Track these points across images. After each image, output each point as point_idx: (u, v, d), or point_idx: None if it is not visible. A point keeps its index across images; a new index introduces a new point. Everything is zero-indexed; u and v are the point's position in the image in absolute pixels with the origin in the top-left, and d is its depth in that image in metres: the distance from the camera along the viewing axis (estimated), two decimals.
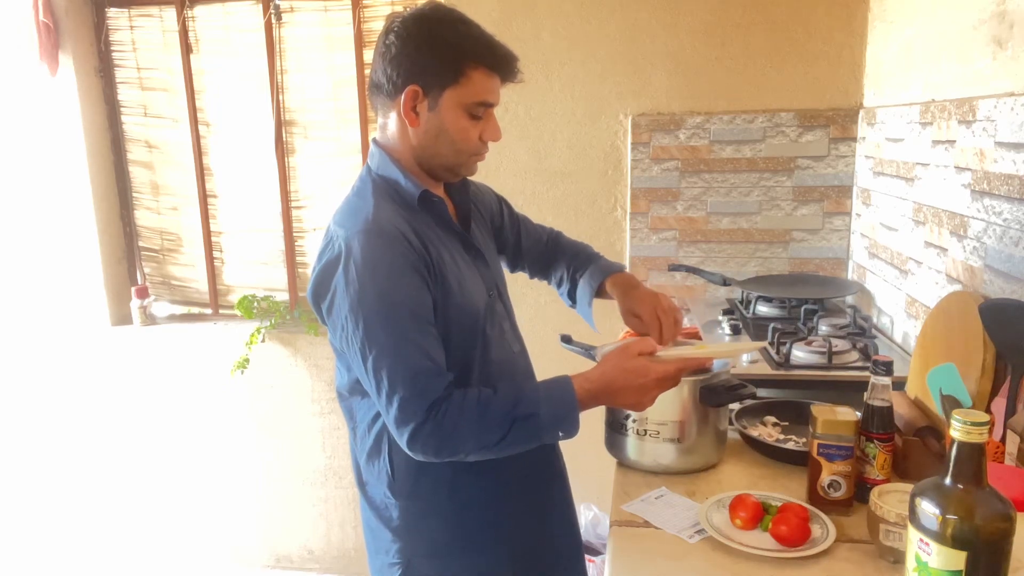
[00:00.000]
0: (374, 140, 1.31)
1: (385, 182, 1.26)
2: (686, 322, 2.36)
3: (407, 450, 1.15)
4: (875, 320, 2.15)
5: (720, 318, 2.16)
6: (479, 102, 1.21)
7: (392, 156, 1.27)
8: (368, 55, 2.77)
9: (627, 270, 1.61)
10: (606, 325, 2.70)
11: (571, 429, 1.17)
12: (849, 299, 2.27)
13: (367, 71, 2.80)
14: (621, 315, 1.48)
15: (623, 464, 1.42)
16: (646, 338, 1.28)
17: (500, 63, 1.22)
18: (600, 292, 1.57)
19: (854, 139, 2.40)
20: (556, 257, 1.64)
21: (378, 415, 1.27)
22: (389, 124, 1.27)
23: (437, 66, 1.18)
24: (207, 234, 3.04)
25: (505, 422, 1.13)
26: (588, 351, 1.51)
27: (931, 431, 1.31)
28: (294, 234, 2.99)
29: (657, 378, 1.18)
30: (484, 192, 1.54)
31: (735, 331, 2.08)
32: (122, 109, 3.01)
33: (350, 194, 1.29)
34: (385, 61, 1.21)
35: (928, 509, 0.82)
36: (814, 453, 1.21)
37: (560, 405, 1.16)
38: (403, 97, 1.20)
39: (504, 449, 1.16)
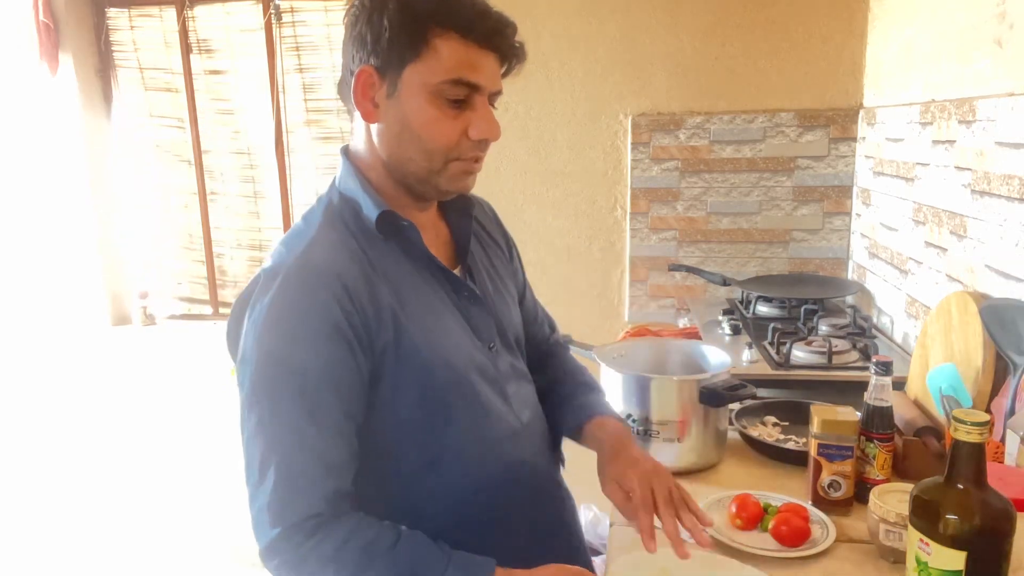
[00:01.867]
0: (342, 148, 1.04)
1: (344, 201, 0.99)
2: (686, 322, 2.37)
3: (260, 556, 0.89)
4: (875, 320, 2.15)
5: (720, 318, 2.16)
6: (450, 80, 0.90)
7: (359, 168, 0.99)
8: None
9: (621, 419, 1.18)
10: (604, 325, 2.71)
11: None
12: (849, 299, 2.27)
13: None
14: (600, 478, 1.06)
15: None
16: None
17: (476, 26, 0.90)
18: (578, 434, 1.14)
19: (854, 139, 2.40)
20: (544, 363, 1.26)
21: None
22: (355, 128, 1.01)
23: (391, 37, 0.90)
24: (207, 234, 3.04)
25: None
26: (588, 351, 1.51)
27: (931, 431, 1.31)
28: None
29: None
30: (488, 214, 1.21)
31: (735, 331, 2.08)
32: (122, 109, 3.01)
33: (297, 221, 1.03)
34: (344, 47, 0.97)
35: (928, 509, 0.82)
36: (814, 453, 1.21)
37: None
38: (353, 82, 0.93)
39: None
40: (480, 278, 1.08)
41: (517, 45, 0.95)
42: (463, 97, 0.92)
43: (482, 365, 1.02)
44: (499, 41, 0.93)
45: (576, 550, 1.15)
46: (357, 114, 0.97)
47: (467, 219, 1.09)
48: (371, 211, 0.96)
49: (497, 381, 1.03)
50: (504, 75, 0.97)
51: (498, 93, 0.96)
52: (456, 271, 1.05)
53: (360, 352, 0.90)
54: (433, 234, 1.05)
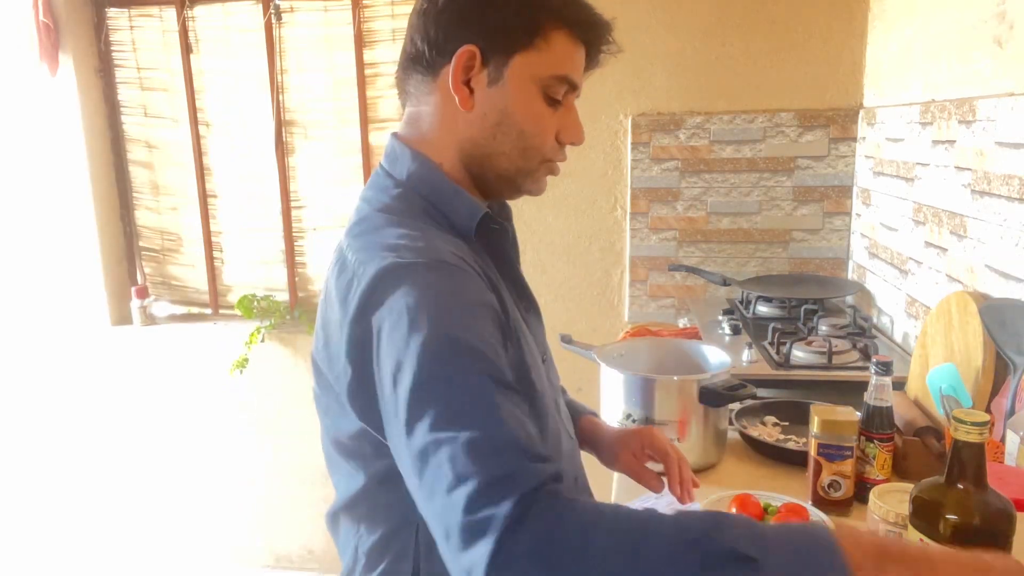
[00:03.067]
0: (397, 137, 0.93)
1: (420, 196, 0.88)
2: (686, 322, 2.37)
3: (495, 546, 0.60)
4: (875, 320, 2.15)
5: (720, 318, 2.16)
6: (560, 76, 0.86)
7: (431, 158, 0.89)
8: (368, 55, 2.77)
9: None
10: (604, 325, 2.71)
11: None
12: (849, 299, 2.27)
13: (367, 71, 2.82)
14: (612, 456, 1.11)
15: None
16: None
17: (591, 29, 0.87)
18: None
19: (854, 139, 2.40)
20: None
21: (395, 536, 0.85)
22: (424, 112, 0.89)
23: (504, 19, 0.83)
24: (207, 234, 3.04)
25: (691, 560, 0.59)
26: (588, 351, 1.51)
27: (931, 431, 1.31)
28: (294, 234, 2.98)
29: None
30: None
31: (735, 331, 2.08)
32: (122, 109, 3.01)
33: (365, 209, 0.89)
34: (427, 19, 0.86)
35: (928, 509, 0.82)
36: (814, 453, 1.21)
37: (809, 556, 0.60)
38: (452, 64, 0.84)
39: None
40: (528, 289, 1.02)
41: (605, 51, 0.92)
42: (561, 96, 0.88)
43: (546, 377, 0.95)
44: (599, 45, 0.90)
45: None
46: (432, 99, 0.88)
47: (512, 225, 1.02)
48: (469, 211, 0.88)
49: (553, 395, 0.98)
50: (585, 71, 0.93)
51: (578, 96, 0.93)
52: None
53: (507, 345, 0.81)
54: None
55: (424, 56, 0.86)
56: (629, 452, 1.10)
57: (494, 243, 0.92)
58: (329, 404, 0.86)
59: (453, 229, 0.87)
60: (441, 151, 0.89)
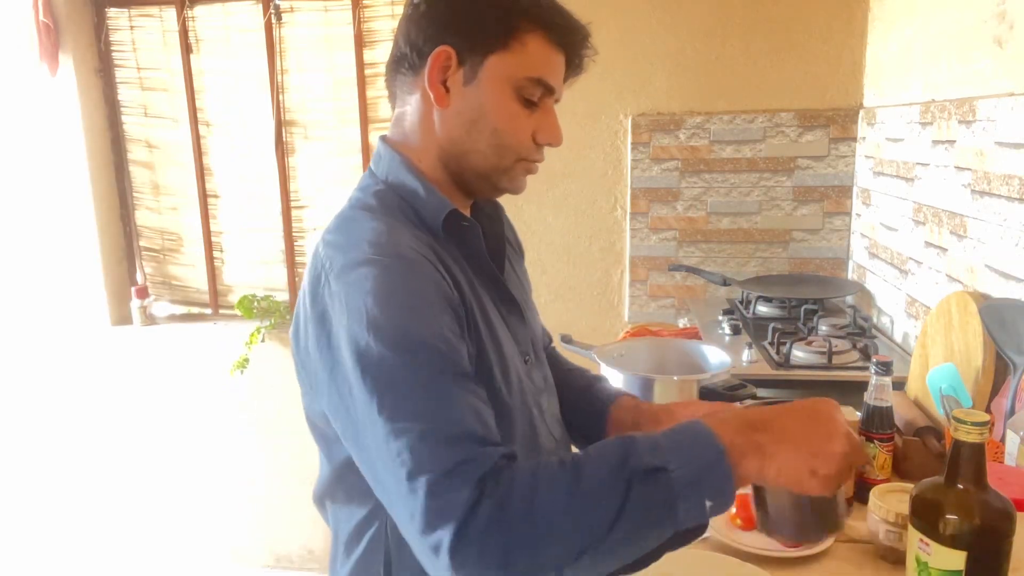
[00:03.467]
0: (382, 138, 0.97)
1: (396, 194, 0.92)
2: (686, 322, 2.37)
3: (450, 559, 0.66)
4: (875, 320, 2.15)
5: (720, 318, 2.16)
6: (534, 78, 0.88)
7: (408, 158, 0.93)
8: (368, 55, 2.77)
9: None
10: (604, 325, 2.71)
11: (722, 493, 0.70)
12: (849, 299, 2.27)
13: (367, 71, 2.82)
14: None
15: None
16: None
17: (566, 33, 0.90)
18: (603, 417, 1.09)
19: (854, 139, 2.40)
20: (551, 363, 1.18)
21: (369, 521, 0.88)
22: (408, 112, 0.93)
23: (480, 21, 0.87)
24: (207, 234, 3.04)
25: (617, 485, 0.68)
26: (588, 351, 1.51)
27: (931, 431, 1.31)
28: (294, 234, 2.98)
29: (847, 430, 0.74)
30: (509, 226, 1.13)
31: (735, 331, 2.08)
32: (122, 109, 3.01)
33: (345, 208, 0.93)
34: (409, 23, 0.90)
35: (928, 509, 0.82)
36: None
37: (698, 450, 0.71)
38: (429, 64, 0.87)
39: (622, 541, 0.69)
40: (516, 288, 1.02)
41: (584, 56, 0.94)
42: (536, 98, 0.90)
43: (525, 376, 0.97)
44: (575, 47, 0.92)
45: None
46: (414, 98, 0.92)
47: (499, 224, 1.05)
48: (436, 208, 0.90)
49: (534, 394, 0.98)
50: (566, 79, 0.96)
51: (558, 100, 0.95)
52: None
53: (465, 335, 0.83)
54: None
55: (407, 58, 0.90)
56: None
57: (466, 240, 0.93)
58: (303, 387, 0.90)
59: (424, 226, 0.90)
60: (421, 150, 0.93)
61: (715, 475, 0.70)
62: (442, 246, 0.89)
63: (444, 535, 0.66)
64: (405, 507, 0.70)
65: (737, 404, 1.52)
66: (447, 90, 0.88)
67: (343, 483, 0.90)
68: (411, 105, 0.93)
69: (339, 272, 0.80)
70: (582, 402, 1.12)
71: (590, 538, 0.68)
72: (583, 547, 0.68)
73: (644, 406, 1.09)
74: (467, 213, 0.99)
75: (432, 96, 0.89)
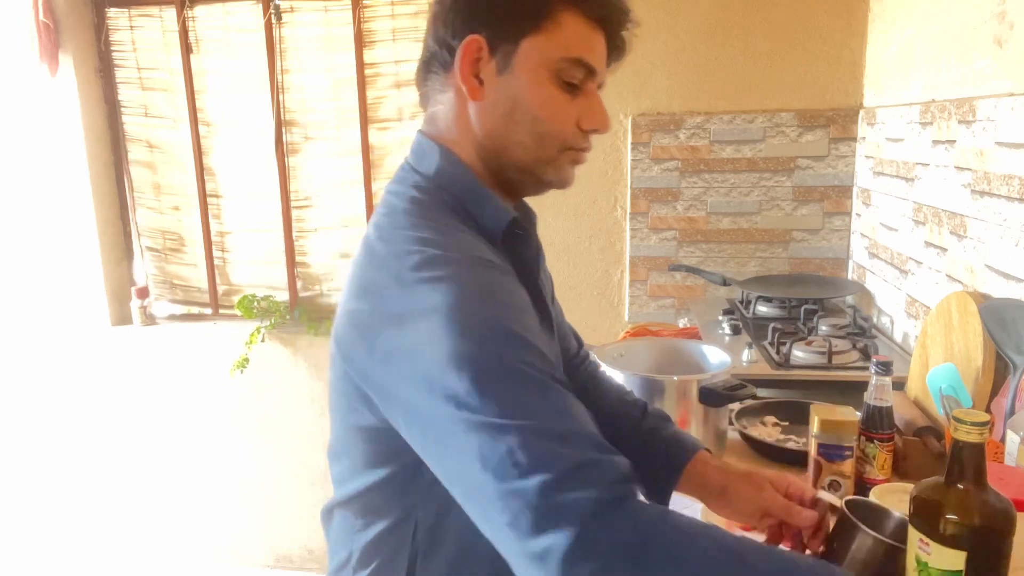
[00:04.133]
0: (421, 132, 0.91)
1: (450, 195, 0.85)
2: (686, 322, 2.37)
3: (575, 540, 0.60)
4: (875, 320, 2.15)
5: (720, 318, 2.16)
6: (573, 58, 0.82)
7: (458, 155, 0.86)
8: (368, 55, 2.77)
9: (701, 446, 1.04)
10: (604, 325, 2.71)
11: None
12: (849, 299, 2.27)
13: (367, 71, 2.82)
14: (719, 501, 0.96)
15: None
16: None
17: (604, 8, 0.84)
18: (677, 475, 0.99)
19: (854, 139, 2.40)
20: (593, 384, 1.13)
21: (391, 533, 0.83)
22: (442, 110, 0.88)
23: (509, 4, 0.82)
24: (207, 234, 3.04)
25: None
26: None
27: (931, 431, 1.31)
28: (294, 234, 2.98)
29: None
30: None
31: (735, 331, 2.08)
32: (122, 109, 3.01)
33: (395, 203, 0.84)
34: (437, 21, 0.85)
35: (928, 509, 0.82)
36: (814, 453, 1.21)
37: None
38: (459, 56, 0.83)
39: None
40: (545, 298, 0.97)
41: (625, 36, 0.88)
42: (578, 81, 0.84)
43: None
44: (615, 24, 0.86)
45: None
46: (447, 94, 0.86)
47: (534, 228, 0.96)
48: (497, 215, 0.85)
49: None
50: (608, 63, 0.89)
51: (602, 85, 0.89)
52: None
53: None
54: None
55: (437, 56, 0.86)
56: (773, 488, 0.93)
57: (517, 250, 0.88)
58: (348, 392, 0.82)
59: (479, 230, 0.84)
60: (460, 149, 0.87)
61: None
62: (497, 254, 0.83)
63: (560, 539, 0.59)
64: (506, 510, 0.62)
65: (737, 404, 1.53)
66: (480, 82, 0.83)
67: (373, 493, 0.84)
68: (444, 103, 0.87)
69: (416, 270, 0.73)
70: (650, 446, 1.01)
71: None
72: None
73: (731, 469, 0.98)
74: None
75: (465, 90, 0.83)
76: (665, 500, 1.00)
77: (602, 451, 0.65)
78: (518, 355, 0.69)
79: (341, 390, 0.83)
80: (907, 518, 0.94)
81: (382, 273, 0.77)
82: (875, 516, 0.98)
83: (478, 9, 0.82)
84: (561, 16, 0.81)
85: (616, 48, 0.88)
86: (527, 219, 0.96)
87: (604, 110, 0.87)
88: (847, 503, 0.94)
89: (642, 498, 0.64)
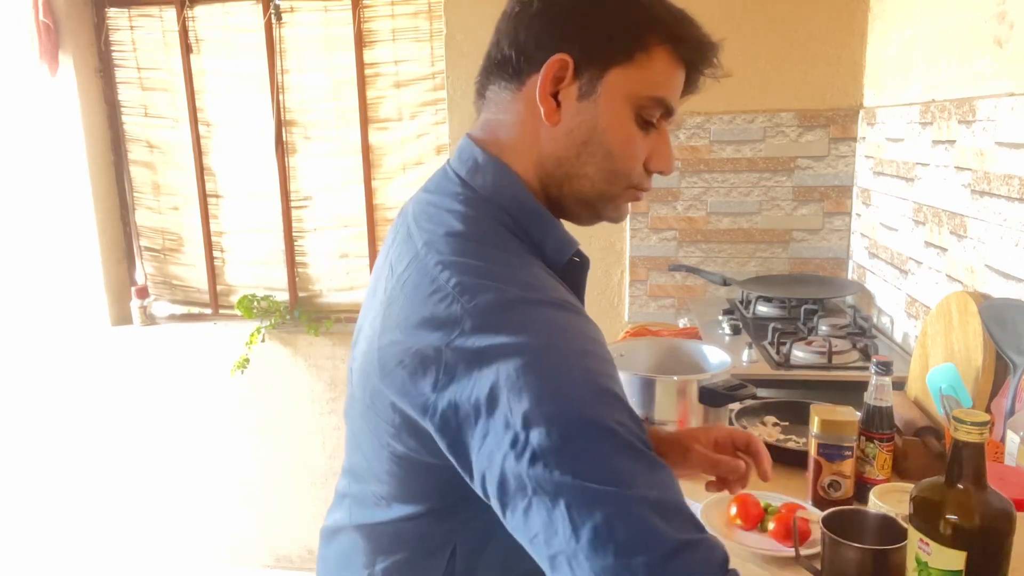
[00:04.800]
0: (475, 141, 0.83)
1: (508, 215, 0.78)
2: (686, 322, 2.37)
3: None
4: (875, 320, 2.15)
5: (720, 318, 2.16)
6: (657, 97, 0.78)
7: (521, 176, 0.80)
8: (368, 55, 2.77)
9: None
10: (604, 325, 2.71)
11: None
12: (849, 299, 2.27)
13: (367, 71, 2.82)
14: (675, 459, 0.95)
15: None
16: None
17: (698, 50, 0.81)
18: None
19: (854, 139, 2.40)
20: None
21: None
22: (504, 122, 0.81)
23: (604, 28, 0.76)
24: (207, 234, 3.04)
25: None
26: None
27: (931, 431, 1.31)
28: (294, 234, 2.98)
29: None
30: None
31: (735, 331, 2.08)
32: (122, 109, 3.01)
33: (452, 222, 0.77)
34: (519, 23, 0.78)
35: (928, 509, 0.82)
36: (814, 453, 1.21)
37: None
38: (542, 73, 0.76)
39: None
40: None
41: (705, 76, 0.84)
42: (655, 120, 0.80)
43: None
44: (701, 68, 0.82)
45: None
46: (515, 108, 0.80)
47: (583, 274, 0.88)
48: (562, 242, 0.81)
49: None
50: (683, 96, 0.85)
51: (677, 127, 0.86)
52: None
53: None
54: None
55: (511, 62, 0.79)
56: (700, 445, 0.95)
57: (574, 277, 0.83)
58: (394, 422, 0.74)
59: (537, 255, 0.79)
60: (521, 167, 0.80)
61: None
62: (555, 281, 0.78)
63: None
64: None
65: (737, 404, 1.53)
66: (558, 104, 0.77)
67: (407, 523, 0.79)
68: (511, 115, 0.80)
69: (494, 311, 0.67)
70: None
71: None
72: None
73: (660, 435, 0.99)
74: None
75: (543, 111, 0.77)
76: None
77: (701, 530, 0.62)
78: (610, 414, 0.63)
79: (385, 418, 0.75)
80: (889, 514, 0.96)
81: (452, 307, 0.69)
82: (857, 521, 0.99)
83: (570, 25, 0.76)
84: (654, 51, 0.77)
85: (691, 86, 0.84)
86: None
87: (671, 153, 0.83)
88: (824, 520, 0.96)
89: None
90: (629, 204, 0.85)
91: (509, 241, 0.76)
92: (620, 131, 0.78)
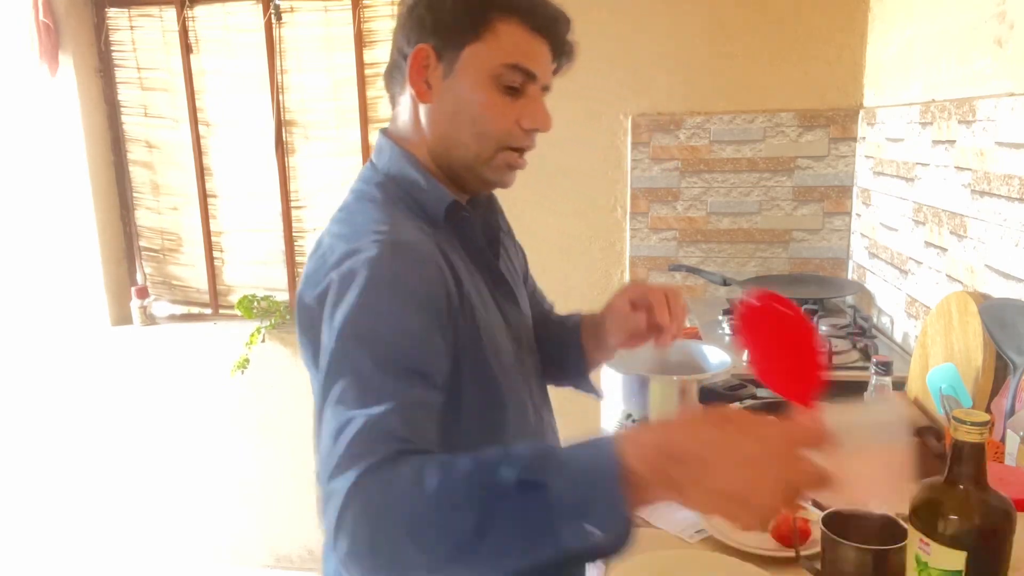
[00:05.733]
0: (383, 131, 1.01)
1: (397, 185, 0.95)
2: (685, 322, 2.36)
3: (334, 550, 0.71)
4: (875, 320, 2.15)
5: (720, 318, 2.16)
6: (511, 64, 0.90)
7: (408, 151, 0.96)
8: (368, 55, 2.77)
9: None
10: None
11: (609, 522, 0.64)
12: (849, 299, 2.27)
13: (367, 71, 2.82)
14: (610, 326, 1.10)
15: None
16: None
17: (538, 14, 0.91)
18: (576, 340, 1.18)
19: (854, 139, 2.40)
20: (543, 324, 1.24)
21: None
22: (401, 111, 0.98)
23: (452, 15, 0.90)
24: (207, 234, 3.04)
25: (481, 496, 0.65)
26: None
27: (931, 431, 1.31)
28: (294, 234, 2.98)
29: (783, 438, 0.64)
30: (502, 215, 1.15)
31: (735, 331, 2.08)
32: (122, 109, 3.01)
33: (349, 199, 0.97)
34: (398, 31, 0.96)
35: (928, 509, 0.82)
36: None
37: (590, 473, 0.64)
38: (408, 62, 0.92)
39: (497, 554, 0.65)
40: (510, 275, 1.07)
41: (571, 42, 0.96)
42: (518, 85, 0.92)
43: (519, 361, 1.02)
44: (557, 32, 0.94)
45: None
46: (404, 97, 0.96)
47: (494, 215, 1.09)
48: (438, 199, 0.94)
49: (525, 376, 1.03)
50: (554, 72, 0.97)
51: (547, 88, 0.97)
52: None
53: (447, 336, 0.86)
54: None
55: (397, 64, 0.95)
56: (616, 315, 1.08)
57: (465, 230, 0.97)
58: (310, 370, 0.92)
59: (425, 216, 0.94)
60: (415, 147, 0.97)
61: (601, 504, 0.63)
62: (443, 237, 0.93)
63: (331, 511, 0.71)
64: (321, 468, 0.75)
65: (737, 404, 1.53)
66: (429, 86, 0.92)
67: None
68: (404, 107, 0.97)
69: (338, 260, 0.84)
70: (561, 343, 1.18)
71: (455, 548, 0.65)
72: (449, 554, 0.65)
73: (588, 321, 1.15)
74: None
75: (414, 93, 0.93)
76: (585, 364, 1.18)
77: (387, 441, 0.72)
78: (369, 350, 0.79)
79: (308, 367, 0.93)
80: (889, 514, 0.96)
81: (316, 263, 0.88)
82: (857, 521, 0.99)
83: (426, 20, 0.91)
84: (499, 25, 0.90)
85: (563, 53, 0.96)
86: (486, 207, 1.08)
87: (544, 111, 0.94)
88: (824, 520, 0.96)
89: (399, 464, 0.70)
90: (511, 171, 0.97)
91: (393, 205, 0.92)
92: (481, 99, 0.91)
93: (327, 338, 0.80)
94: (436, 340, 0.83)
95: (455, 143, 0.94)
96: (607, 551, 0.67)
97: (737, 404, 1.54)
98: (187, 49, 2.88)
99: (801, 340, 0.80)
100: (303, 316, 0.89)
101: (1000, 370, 1.32)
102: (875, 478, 0.69)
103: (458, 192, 0.98)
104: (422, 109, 0.94)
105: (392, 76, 0.98)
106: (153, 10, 2.88)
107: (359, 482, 0.68)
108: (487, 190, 1.02)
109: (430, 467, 0.67)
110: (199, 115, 2.94)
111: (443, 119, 0.93)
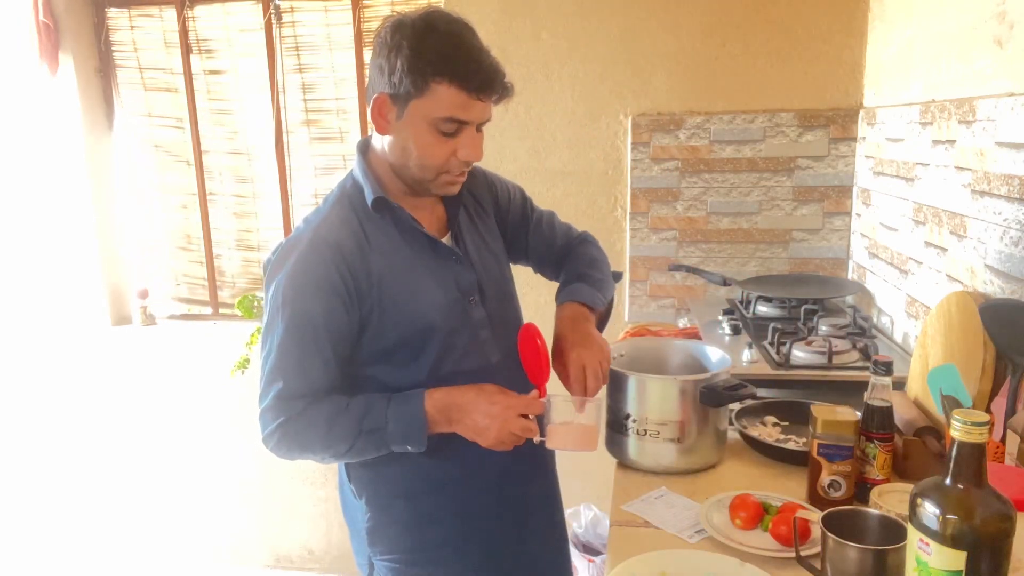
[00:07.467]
0: (359, 144, 1.29)
1: (354, 186, 1.26)
2: (686, 322, 2.37)
3: (263, 440, 1.27)
4: (875, 320, 2.15)
5: (720, 318, 2.16)
6: (445, 118, 1.14)
7: (371, 162, 1.25)
8: (368, 55, 2.77)
9: (599, 304, 1.39)
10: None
11: (418, 444, 1.19)
12: (849, 299, 2.27)
13: (367, 71, 2.82)
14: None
15: (623, 464, 1.42)
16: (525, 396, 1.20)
17: (471, 79, 1.12)
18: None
19: (854, 139, 2.40)
20: (561, 266, 1.53)
21: None
22: (372, 138, 1.27)
23: (402, 76, 1.12)
24: (207, 234, 3.04)
25: (350, 436, 1.19)
26: None
27: (931, 431, 1.31)
28: None
29: (507, 405, 1.17)
30: (480, 182, 1.40)
31: (735, 331, 2.08)
32: (122, 109, 3.01)
33: (322, 203, 1.30)
34: (370, 71, 1.21)
35: (928, 509, 0.82)
36: (814, 453, 1.21)
37: (408, 421, 1.18)
38: (371, 105, 1.17)
39: (355, 457, 1.25)
40: (466, 243, 1.31)
41: (507, 87, 1.17)
42: (453, 131, 1.16)
43: (461, 313, 1.26)
44: (491, 89, 1.15)
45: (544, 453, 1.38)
46: (374, 128, 1.21)
47: (456, 199, 1.31)
48: (369, 196, 1.22)
49: (469, 327, 1.27)
50: (495, 103, 1.19)
51: (486, 121, 1.20)
52: (445, 239, 1.31)
53: (352, 307, 1.19)
54: (429, 212, 1.30)
55: (368, 101, 1.20)
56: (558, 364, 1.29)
57: (398, 217, 1.24)
58: None
59: (366, 209, 1.23)
60: (379, 162, 1.25)
61: (414, 434, 1.19)
62: (375, 224, 1.23)
63: (262, 432, 1.26)
64: (260, 411, 1.24)
65: (737, 404, 1.53)
66: (388, 123, 1.18)
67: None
68: (375, 134, 1.24)
69: (287, 246, 1.22)
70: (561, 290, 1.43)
71: (336, 456, 1.25)
72: (332, 457, 1.25)
73: (561, 331, 1.32)
74: (416, 200, 1.27)
75: (375, 127, 1.20)
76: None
77: (291, 399, 1.20)
78: (283, 326, 1.19)
79: None
80: (889, 514, 0.96)
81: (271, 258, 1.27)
82: (857, 521, 0.99)
83: (384, 74, 1.15)
84: (437, 87, 1.12)
85: (501, 98, 1.18)
86: (454, 200, 1.31)
87: (476, 146, 1.20)
88: (824, 520, 0.96)
89: (307, 414, 1.21)
90: (453, 185, 1.24)
91: (340, 204, 1.25)
92: (421, 141, 1.17)
93: (274, 298, 1.20)
94: (339, 314, 1.18)
95: (405, 168, 1.21)
96: (414, 451, 1.21)
97: (737, 404, 1.54)
98: (187, 49, 2.88)
99: (540, 354, 1.22)
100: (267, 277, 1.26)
101: (1000, 370, 1.32)
102: (568, 435, 1.20)
103: (415, 195, 1.26)
104: (384, 139, 1.21)
105: (369, 96, 1.21)
106: (153, 10, 2.88)
107: (277, 430, 1.23)
108: (437, 195, 1.28)
109: (326, 413, 1.20)
110: (199, 115, 2.94)
111: (396, 150, 1.19)
